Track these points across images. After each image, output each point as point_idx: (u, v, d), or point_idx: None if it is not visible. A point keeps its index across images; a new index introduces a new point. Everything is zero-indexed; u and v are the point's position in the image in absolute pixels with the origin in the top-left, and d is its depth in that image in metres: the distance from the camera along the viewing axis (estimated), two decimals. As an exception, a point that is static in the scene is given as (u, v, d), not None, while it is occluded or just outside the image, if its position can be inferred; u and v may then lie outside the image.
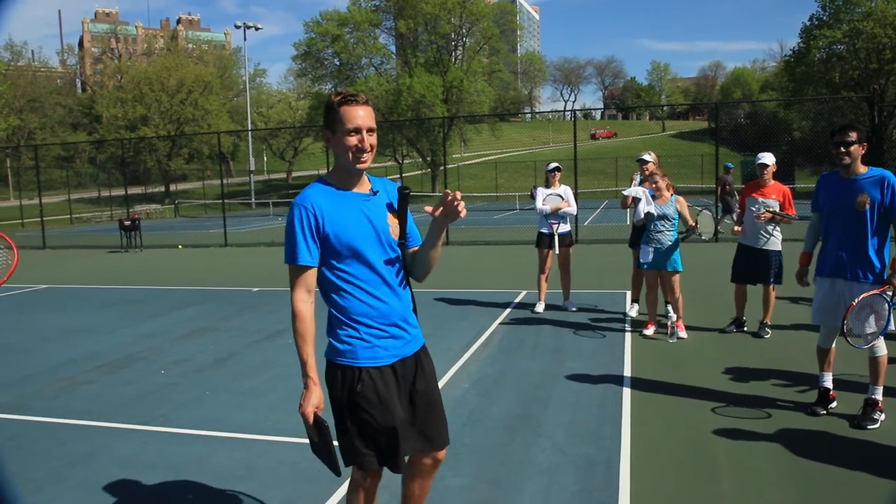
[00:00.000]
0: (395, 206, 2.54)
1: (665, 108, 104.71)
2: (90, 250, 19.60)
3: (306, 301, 2.48)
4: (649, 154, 7.69)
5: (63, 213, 36.57)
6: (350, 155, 2.41)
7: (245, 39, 47.94)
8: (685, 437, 4.30)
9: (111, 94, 56.55)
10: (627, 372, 5.69)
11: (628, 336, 6.92)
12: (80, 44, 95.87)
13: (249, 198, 45.90)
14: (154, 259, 16.59)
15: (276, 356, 6.58)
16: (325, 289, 2.53)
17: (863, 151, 4.35)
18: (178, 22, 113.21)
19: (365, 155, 2.41)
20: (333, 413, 2.52)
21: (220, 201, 25.35)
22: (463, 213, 2.33)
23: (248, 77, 55.59)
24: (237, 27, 46.88)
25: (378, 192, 2.53)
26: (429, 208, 2.39)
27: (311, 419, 2.40)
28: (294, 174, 65.69)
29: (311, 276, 2.46)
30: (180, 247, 19.35)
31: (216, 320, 8.46)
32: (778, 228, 6.72)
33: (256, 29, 48.15)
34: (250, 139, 50.09)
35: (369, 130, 2.41)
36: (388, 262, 2.49)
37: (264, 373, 6.03)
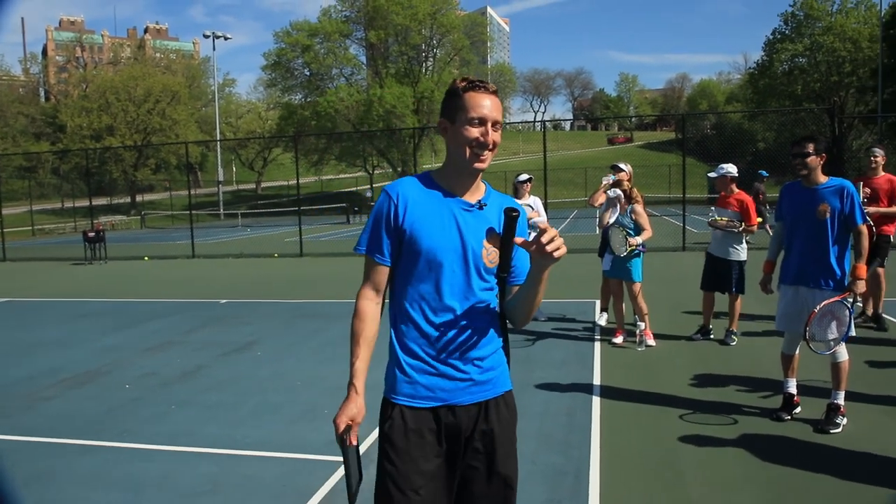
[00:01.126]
0: (500, 230, 2.06)
1: (633, 119, 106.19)
2: (53, 262, 19.18)
3: (371, 299, 2.11)
4: (625, 164, 7.65)
5: (25, 224, 35.73)
6: (468, 150, 2.02)
7: (214, 49, 47.66)
8: (653, 444, 4.32)
9: (76, 103, 55.57)
10: (596, 381, 5.72)
11: (597, 345, 6.96)
12: (44, 52, 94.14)
13: (218, 209, 45.42)
14: (119, 271, 16.28)
15: (245, 369, 6.48)
16: (391, 307, 2.16)
17: (821, 162, 4.46)
18: (146, 31, 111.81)
19: (486, 152, 2.04)
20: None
21: (188, 212, 25.03)
22: (558, 254, 1.84)
23: (217, 87, 55.17)
24: (206, 37, 46.59)
25: (487, 205, 2.10)
26: (519, 240, 1.96)
27: (339, 430, 2.03)
28: (263, 185, 65.19)
29: (379, 274, 2.11)
30: (146, 259, 19.04)
31: (183, 333, 8.32)
32: (738, 238, 6.84)
33: (226, 39, 47.92)
34: (219, 149, 49.63)
35: (495, 124, 2.04)
36: (467, 288, 2.06)
37: (232, 386, 5.94)
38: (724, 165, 6.99)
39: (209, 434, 4.75)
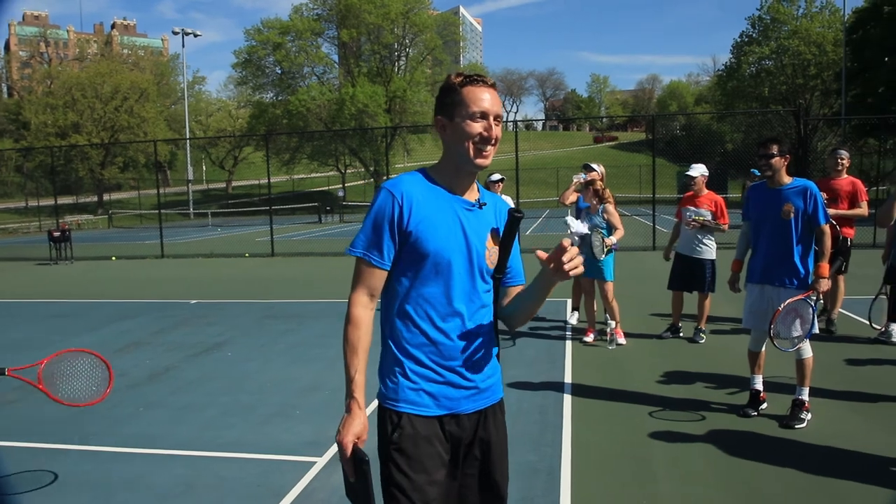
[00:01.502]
0: (501, 230, 2.06)
1: (604, 119, 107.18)
2: (17, 262, 18.76)
3: (366, 306, 1.98)
4: (598, 164, 7.71)
5: (-13, 223, 34.94)
6: (471, 146, 1.94)
7: (183, 46, 47.02)
8: (624, 441, 4.39)
9: (40, 100, 54.37)
10: (568, 379, 5.78)
11: (568, 344, 7.03)
12: (7, 47, 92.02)
13: (188, 208, 44.83)
14: (86, 271, 15.99)
15: (215, 370, 6.42)
16: (388, 309, 2.03)
17: (785, 163, 4.56)
18: (113, 27, 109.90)
19: (489, 147, 1.95)
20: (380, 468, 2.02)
21: (157, 211, 24.68)
22: (574, 273, 1.83)
23: (187, 84, 54.43)
24: (175, 33, 45.98)
25: (486, 204, 2.06)
26: (542, 254, 1.88)
27: (348, 451, 1.89)
28: (234, 184, 64.51)
29: (376, 279, 1.99)
30: (114, 258, 18.73)
31: (152, 334, 8.21)
32: (711, 238, 6.97)
33: (195, 36, 47.30)
34: (188, 148, 49.00)
35: (497, 118, 1.96)
36: (472, 291, 2.01)
37: (202, 387, 5.88)
38: (699, 166, 7.09)
39: (180, 435, 4.70)
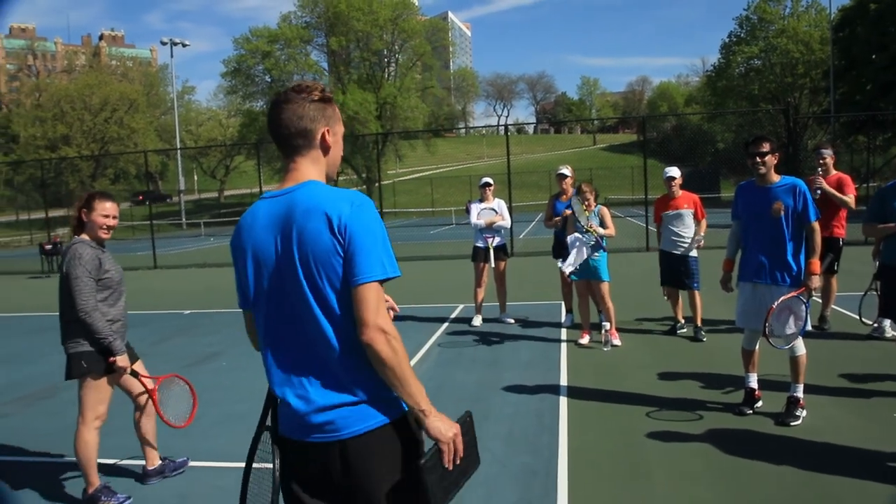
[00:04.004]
0: None
1: (595, 121, 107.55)
2: (9, 276, 18.66)
3: None
4: (567, 168, 7.96)
5: (-22, 238, 34.72)
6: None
7: (172, 56, 46.85)
8: (621, 442, 4.39)
9: (29, 112, 54.13)
10: (564, 381, 5.78)
11: (564, 346, 7.03)
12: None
13: (180, 218, 44.69)
14: (78, 284, 15.89)
15: (209, 380, 6.39)
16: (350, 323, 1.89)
17: (776, 161, 4.58)
18: (101, 38, 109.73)
19: None
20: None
21: (149, 222, 24.58)
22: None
23: (177, 94, 54.32)
24: (164, 43, 45.82)
25: None
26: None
27: (459, 436, 1.89)
28: (226, 192, 64.39)
29: None
30: (107, 270, 18.63)
31: (146, 345, 8.15)
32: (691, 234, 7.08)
33: (184, 45, 47.17)
34: (179, 158, 48.87)
35: None
36: None
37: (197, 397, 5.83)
38: (674, 168, 7.22)
39: (174, 446, 4.66)
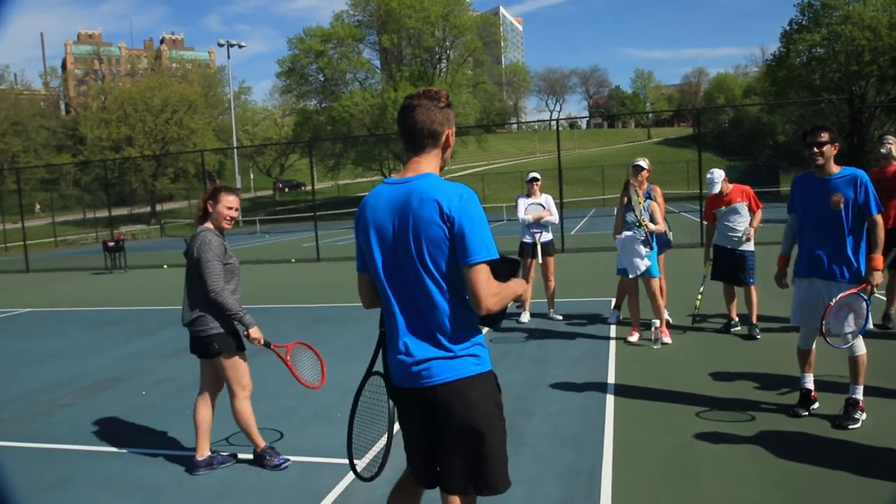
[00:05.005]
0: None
1: (650, 115, 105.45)
2: (74, 272, 19.45)
3: None
4: (644, 160, 7.49)
5: (48, 235, 36.28)
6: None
7: (229, 57, 48.12)
8: (668, 442, 4.28)
9: (95, 115, 56.37)
10: (611, 379, 5.68)
11: (612, 343, 6.91)
12: (64, 66, 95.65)
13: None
14: (139, 280, 16.47)
15: (262, 372, 6.48)
16: (459, 288, 2.28)
17: (835, 151, 4.38)
18: (162, 42, 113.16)
19: None
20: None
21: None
22: None
23: (233, 95, 55.67)
24: (221, 45, 47.11)
25: None
26: None
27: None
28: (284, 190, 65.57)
29: None
30: (165, 267, 19.23)
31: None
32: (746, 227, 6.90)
33: (240, 47, 48.37)
34: (236, 157, 50.10)
35: None
36: None
37: (247, 391, 5.96)
38: (715, 171, 7.10)
39: (223, 438, 4.78)
